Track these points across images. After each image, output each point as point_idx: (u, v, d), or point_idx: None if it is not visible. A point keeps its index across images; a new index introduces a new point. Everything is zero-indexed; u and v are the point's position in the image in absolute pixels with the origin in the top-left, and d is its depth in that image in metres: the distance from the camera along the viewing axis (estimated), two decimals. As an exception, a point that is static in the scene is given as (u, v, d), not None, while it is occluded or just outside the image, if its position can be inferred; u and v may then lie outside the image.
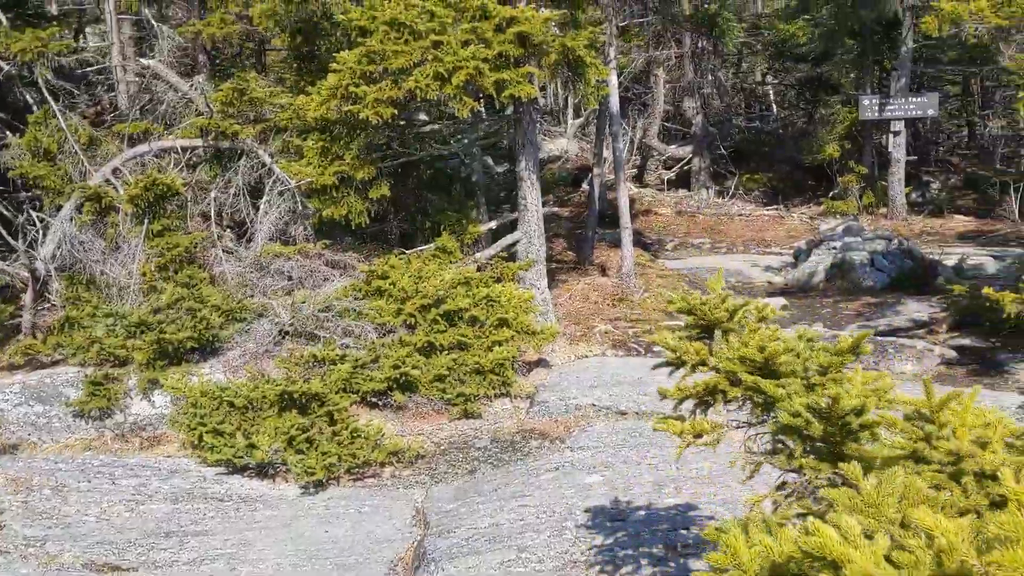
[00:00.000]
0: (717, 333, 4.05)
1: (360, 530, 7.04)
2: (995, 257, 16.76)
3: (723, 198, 23.05)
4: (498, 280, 11.58)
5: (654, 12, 17.77)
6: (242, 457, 8.46)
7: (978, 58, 19.77)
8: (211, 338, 10.64)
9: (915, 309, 13.60)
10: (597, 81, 11.31)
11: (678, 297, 4.16)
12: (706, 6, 20.28)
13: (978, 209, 21.89)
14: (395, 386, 9.58)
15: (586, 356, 11.56)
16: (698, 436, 3.82)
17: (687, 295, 4.13)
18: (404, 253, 12.17)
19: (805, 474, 3.46)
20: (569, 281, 14.91)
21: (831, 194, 21.66)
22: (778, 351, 3.68)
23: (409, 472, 8.34)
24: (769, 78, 29.61)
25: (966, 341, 12.00)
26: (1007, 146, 26.38)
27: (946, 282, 14.95)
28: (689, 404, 3.99)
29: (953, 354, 11.48)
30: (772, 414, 3.64)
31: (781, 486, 3.71)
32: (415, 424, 9.36)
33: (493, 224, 13.13)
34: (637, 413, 8.74)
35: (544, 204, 13.59)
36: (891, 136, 19.91)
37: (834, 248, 15.88)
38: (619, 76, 17.41)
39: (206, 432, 8.80)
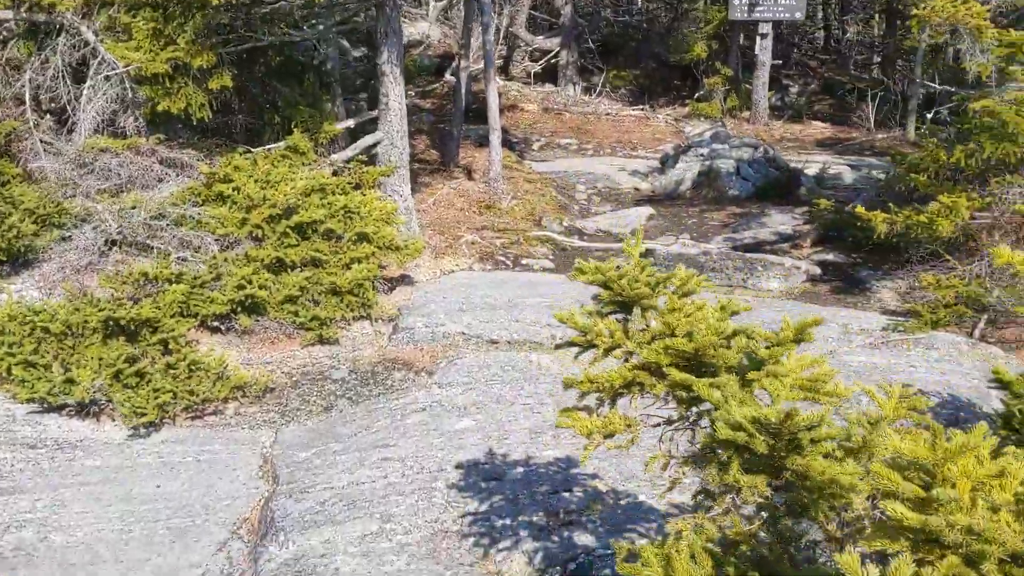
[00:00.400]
0: (636, 310, 3.33)
1: (198, 484, 6.14)
2: (852, 167, 16.91)
3: (590, 95, 22.31)
4: (357, 187, 10.51)
5: None
6: (59, 394, 7.30)
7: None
8: (22, 248, 9.18)
9: (780, 221, 13.48)
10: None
11: (590, 267, 3.39)
12: None
13: (835, 115, 22.12)
14: (240, 308, 8.51)
15: (452, 271, 10.77)
16: (609, 436, 3.14)
17: (599, 265, 3.36)
18: (250, 152, 10.85)
19: (739, 489, 2.85)
20: (433, 185, 13.94)
21: (696, 96, 21.29)
22: (710, 344, 3.00)
23: (256, 409, 7.43)
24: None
25: (829, 256, 11.95)
26: (861, 53, 26.78)
27: (808, 193, 14.95)
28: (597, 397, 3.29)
29: (817, 271, 11.39)
30: (702, 418, 3.00)
31: (704, 494, 3.10)
32: (263, 351, 8.39)
33: (351, 122, 11.93)
34: (509, 342, 8.09)
35: (405, 96, 12.46)
36: (758, 38, 19.55)
37: (701, 155, 15.53)
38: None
39: (15, 364, 7.53)
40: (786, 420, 2.54)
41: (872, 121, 19.46)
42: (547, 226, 13.25)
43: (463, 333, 8.27)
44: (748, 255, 10.69)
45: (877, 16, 25.80)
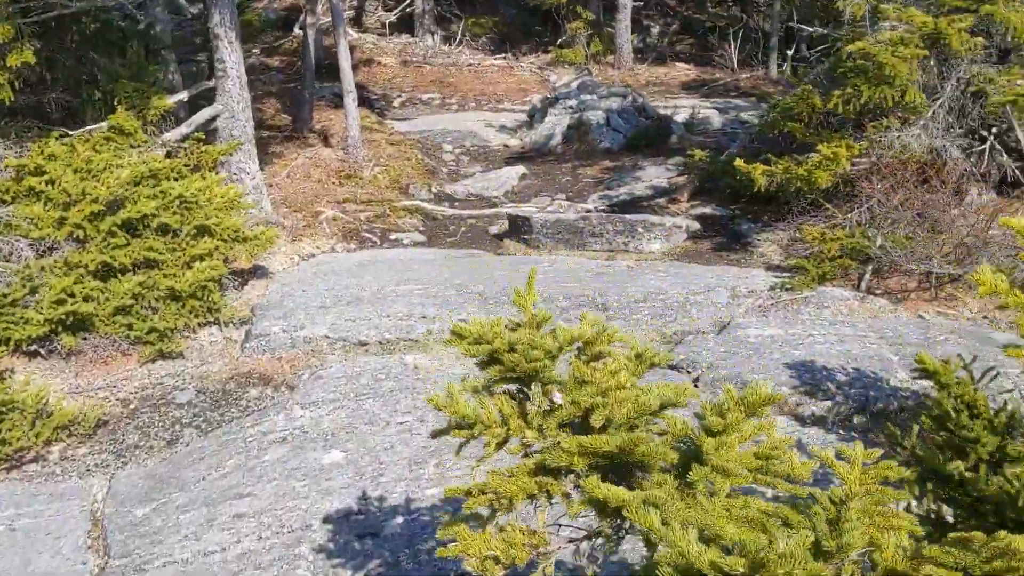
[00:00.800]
0: (535, 387, 2.50)
1: (12, 563, 5.03)
2: (719, 110, 16.56)
3: (450, 45, 21.15)
4: (196, 169, 9.23)
5: None
6: None
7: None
8: None
9: (654, 174, 12.93)
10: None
11: (471, 330, 2.51)
12: None
13: (697, 56, 21.78)
14: (62, 327, 7.24)
15: (313, 254, 9.69)
16: (509, 567, 2.34)
17: (482, 327, 2.49)
18: (68, 135, 9.37)
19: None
20: (286, 155, 12.68)
21: (559, 42, 20.48)
22: (635, 441, 2.21)
23: (86, 450, 6.27)
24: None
25: (708, 209, 11.48)
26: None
27: (679, 140, 14.47)
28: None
29: (697, 226, 10.90)
30: (631, 531, 2.22)
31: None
32: (94, 374, 7.17)
33: (185, 94, 10.52)
34: (380, 343, 7.17)
35: (250, 55, 11.16)
36: (623, -18, 18.86)
37: (570, 107, 14.79)
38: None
39: None
40: (759, 570, 1.81)
41: (735, 61, 19.18)
42: (415, 194, 12.27)
43: (327, 336, 7.28)
44: (628, 217, 10.06)
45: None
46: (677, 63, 20.75)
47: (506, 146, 15.09)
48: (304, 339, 7.27)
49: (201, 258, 7.91)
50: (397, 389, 6.26)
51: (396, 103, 17.67)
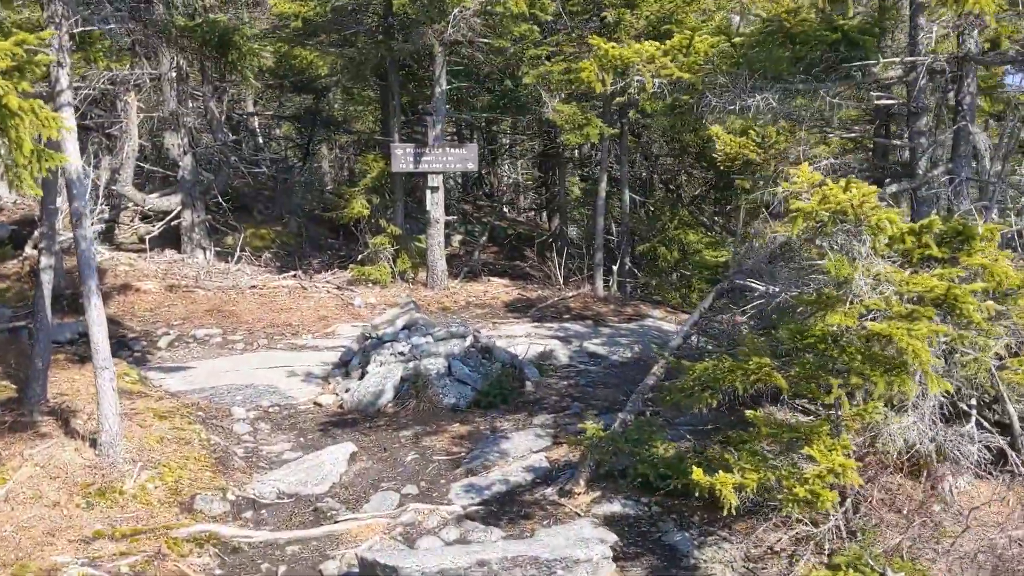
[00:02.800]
0: None
1: None
2: (560, 339, 14.15)
3: (228, 262, 17.56)
4: None
5: (131, 17, 11.78)
6: None
7: (511, 102, 17.25)
8: None
9: (523, 445, 9.94)
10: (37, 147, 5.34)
11: None
12: (211, 16, 14.70)
13: (511, 268, 19.68)
14: None
15: None
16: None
17: None
18: None
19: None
20: (4, 460, 8.38)
21: (360, 257, 17.57)
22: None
23: None
24: (260, 108, 24.78)
25: (616, 506, 8.55)
26: (515, 193, 25.11)
27: (535, 387, 11.72)
28: None
29: (613, 538, 7.88)
30: None
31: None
32: None
33: None
34: None
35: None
36: (428, 192, 16.45)
37: (401, 354, 11.65)
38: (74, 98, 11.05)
39: None
40: None
41: (561, 276, 17.13)
42: (204, 508, 8.37)
43: None
44: (543, 556, 6.82)
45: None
46: (492, 278, 18.46)
47: (318, 404, 11.55)
48: None
49: None
50: None
51: (162, 343, 13.68)
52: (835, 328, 6.56)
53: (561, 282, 16.87)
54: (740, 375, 7.14)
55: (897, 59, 8.96)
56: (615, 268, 16.87)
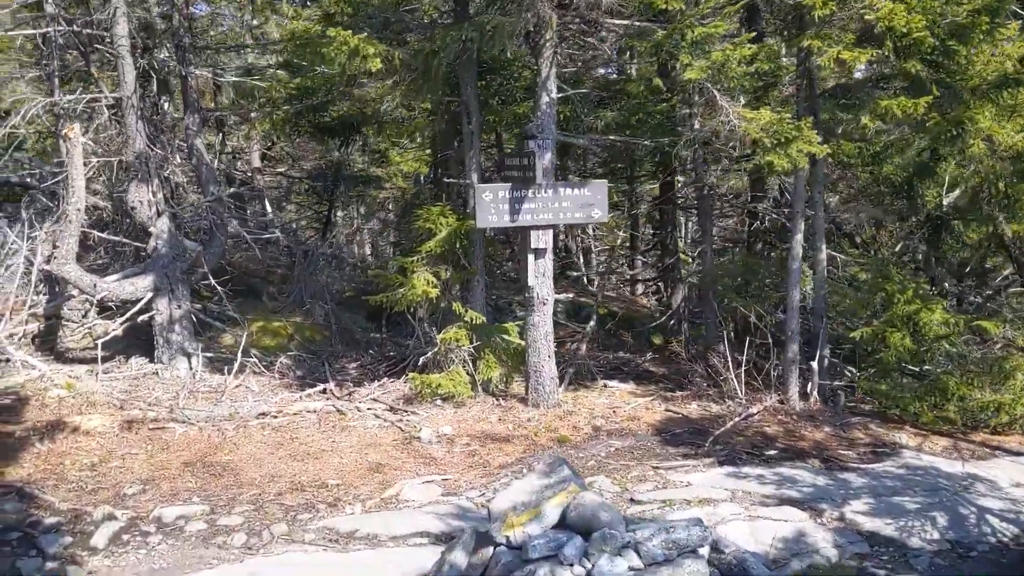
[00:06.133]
0: None
1: None
2: (795, 503, 7.91)
3: (225, 374, 11.39)
4: None
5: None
6: None
7: (647, 118, 11.11)
8: None
9: None
10: None
11: None
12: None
13: (621, 363, 13.48)
14: None
15: None
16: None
17: None
18: None
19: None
20: None
21: (422, 361, 11.40)
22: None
23: None
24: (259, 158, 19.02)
25: None
26: (610, 257, 19.01)
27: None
28: None
29: None
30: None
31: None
32: None
33: None
34: None
35: None
36: (531, 258, 10.37)
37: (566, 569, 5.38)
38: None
39: None
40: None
41: (740, 386, 10.82)
42: None
43: None
44: None
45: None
46: (608, 381, 12.25)
47: None
48: None
49: None
50: None
51: (100, 538, 7.38)
52: None
53: (740, 391, 10.61)
54: None
55: None
56: (814, 365, 10.66)
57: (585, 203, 10.22)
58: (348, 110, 13.26)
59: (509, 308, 15.14)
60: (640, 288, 18.08)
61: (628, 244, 17.67)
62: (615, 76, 12.36)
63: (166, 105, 12.30)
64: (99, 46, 11.42)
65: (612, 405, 11.20)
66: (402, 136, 14.18)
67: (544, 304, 10.46)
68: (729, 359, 10.89)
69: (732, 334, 12.02)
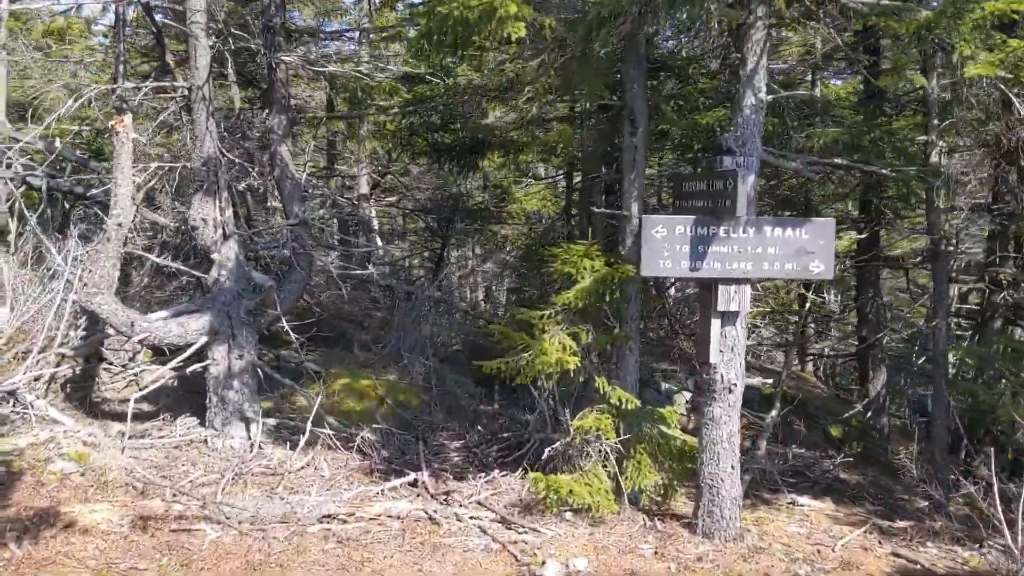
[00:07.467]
0: None
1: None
2: None
3: (289, 448, 8.59)
4: None
5: None
6: None
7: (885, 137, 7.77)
8: None
9: None
10: None
11: None
12: None
13: (803, 468, 10.01)
14: None
15: None
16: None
17: None
18: None
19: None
20: None
21: (547, 453, 8.28)
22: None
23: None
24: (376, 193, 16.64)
25: None
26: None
27: None
28: None
29: None
30: None
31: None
32: None
33: None
34: None
35: None
36: (717, 324, 7.13)
37: None
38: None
39: None
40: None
41: (1022, 531, 7.21)
42: None
43: None
44: None
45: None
46: (798, 497, 8.80)
47: None
48: None
49: None
50: None
51: None
52: None
53: (1019, 542, 7.03)
54: None
55: None
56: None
57: (801, 249, 6.97)
58: (472, 123, 10.50)
59: (651, 380, 11.89)
60: (810, 365, 14.48)
61: (798, 306, 14.18)
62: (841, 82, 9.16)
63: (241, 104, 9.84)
64: (171, 23, 9.05)
65: (813, 538, 7.78)
66: (533, 153, 11.26)
67: (730, 391, 7.21)
68: (995, 487, 7.30)
69: (951, 440, 8.45)
